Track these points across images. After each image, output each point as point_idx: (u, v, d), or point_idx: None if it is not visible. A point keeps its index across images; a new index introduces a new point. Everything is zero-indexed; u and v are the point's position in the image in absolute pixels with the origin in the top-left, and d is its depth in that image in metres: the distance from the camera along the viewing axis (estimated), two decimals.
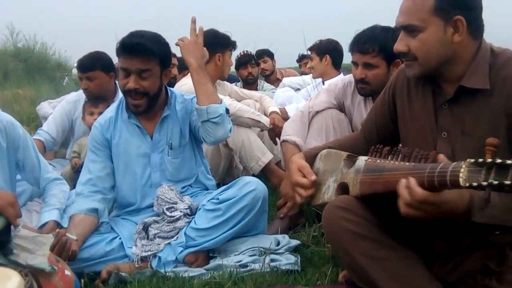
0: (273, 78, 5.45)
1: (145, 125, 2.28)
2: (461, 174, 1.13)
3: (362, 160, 1.56)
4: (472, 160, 1.13)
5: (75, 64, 3.87)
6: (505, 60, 1.47)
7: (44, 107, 4.39)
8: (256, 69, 4.72)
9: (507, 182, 1.04)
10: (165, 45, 2.24)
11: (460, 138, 1.49)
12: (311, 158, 1.86)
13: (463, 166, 1.13)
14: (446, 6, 1.43)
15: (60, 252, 1.84)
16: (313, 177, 1.73)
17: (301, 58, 5.73)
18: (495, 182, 1.06)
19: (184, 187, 2.33)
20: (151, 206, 2.25)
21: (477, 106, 1.47)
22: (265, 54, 5.58)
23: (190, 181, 2.35)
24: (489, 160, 1.09)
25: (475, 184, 1.10)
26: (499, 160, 1.08)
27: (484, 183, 1.07)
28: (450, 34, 1.45)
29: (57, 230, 1.95)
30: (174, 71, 4.35)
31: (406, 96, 1.66)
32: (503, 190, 1.07)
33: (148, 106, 2.21)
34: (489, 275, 1.44)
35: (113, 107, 2.38)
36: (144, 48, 2.12)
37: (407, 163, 1.36)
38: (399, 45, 1.53)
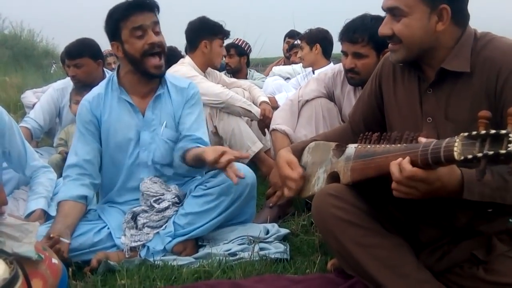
0: None
1: (137, 103, 2.23)
2: (455, 148, 1.12)
3: (352, 148, 1.56)
4: (466, 134, 1.12)
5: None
6: (485, 43, 1.49)
7: (28, 96, 4.37)
8: (235, 60, 4.70)
9: (503, 152, 1.02)
10: None
11: (444, 123, 1.51)
12: (298, 152, 1.86)
13: (457, 140, 1.12)
14: None
15: None
16: (300, 170, 1.75)
17: (291, 48, 5.71)
18: (490, 153, 1.04)
19: (174, 173, 2.29)
20: (135, 188, 2.22)
21: (459, 90, 1.49)
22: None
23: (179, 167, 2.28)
24: (483, 132, 1.08)
25: (470, 156, 1.08)
26: (492, 131, 1.06)
27: (479, 155, 1.06)
28: (434, 22, 1.47)
29: (50, 235, 1.91)
30: None
31: (392, 84, 1.67)
32: (498, 160, 1.05)
33: (165, 67, 2.20)
34: (476, 264, 1.45)
35: (101, 84, 2.32)
36: (154, 3, 2.15)
37: (398, 145, 1.35)
38: (383, 29, 1.55)
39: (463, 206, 1.38)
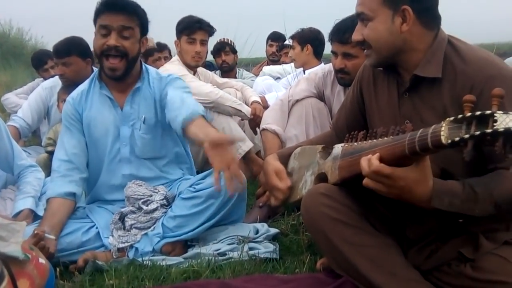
0: None
1: (117, 97, 2.21)
2: (442, 133, 1.12)
3: (338, 147, 1.56)
4: (452, 118, 1.13)
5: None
6: (461, 53, 1.49)
7: (11, 98, 4.37)
8: (231, 57, 4.65)
9: (488, 131, 1.04)
10: (145, 12, 2.19)
11: (420, 126, 1.51)
12: (285, 158, 1.87)
13: (443, 125, 1.13)
14: None
15: None
16: (289, 183, 1.76)
17: (281, 48, 5.71)
18: (477, 133, 1.05)
19: (164, 165, 2.27)
20: (119, 187, 2.20)
21: (433, 96, 1.50)
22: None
23: (162, 161, 2.27)
24: (468, 114, 1.09)
25: (457, 139, 1.09)
26: (478, 112, 1.07)
27: (466, 136, 1.07)
28: (398, 23, 1.49)
29: (35, 231, 1.88)
30: None
31: (372, 88, 1.69)
32: (485, 140, 1.06)
33: (125, 71, 2.14)
34: (464, 262, 1.46)
35: (87, 80, 2.31)
36: (128, 4, 2.10)
37: (385, 138, 1.36)
38: (355, 35, 1.59)
39: (432, 214, 1.40)
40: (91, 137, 2.23)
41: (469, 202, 1.33)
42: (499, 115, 1.04)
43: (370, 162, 1.32)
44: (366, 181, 1.35)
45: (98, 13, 2.12)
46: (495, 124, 1.03)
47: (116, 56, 2.10)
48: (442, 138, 1.12)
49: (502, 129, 1.03)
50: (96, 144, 2.23)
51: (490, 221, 1.46)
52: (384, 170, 1.29)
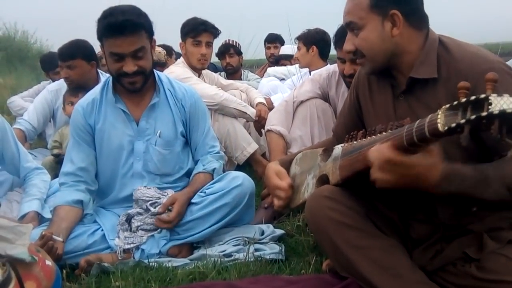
0: None
1: (132, 111, 2.18)
2: (438, 120, 1.12)
3: (338, 148, 1.56)
4: (447, 106, 1.13)
5: None
6: (450, 50, 1.49)
7: (17, 101, 4.40)
8: (235, 59, 4.64)
9: (484, 114, 1.04)
10: (147, 17, 2.11)
11: None
12: (286, 164, 1.86)
13: (440, 113, 1.13)
14: (381, 3, 1.47)
15: None
16: (290, 181, 1.75)
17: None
18: (473, 117, 1.05)
19: (175, 180, 2.27)
20: (130, 197, 2.20)
21: (428, 96, 1.50)
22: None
23: (173, 177, 2.26)
24: (463, 100, 1.09)
25: (453, 125, 1.09)
26: (472, 97, 1.07)
27: (462, 121, 1.07)
28: (389, 28, 1.49)
29: (42, 233, 1.88)
30: None
31: (368, 93, 1.69)
32: (481, 124, 1.06)
33: (144, 83, 2.12)
34: (469, 262, 1.45)
35: (97, 88, 2.25)
36: (133, 24, 1.99)
37: (384, 133, 1.36)
38: (347, 45, 1.58)
39: (445, 202, 1.39)
40: (104, 151, 2.20)
41: (481, 184, 1.31)
42: (493, 98, 1.04)
43: (380, 151, 1.27)
44: (375, 173, 1.30)
45: (104, 37, 2.03)
46: (490, 107, 1.04)
47: (135, 76, 2.07)
48: (439, 125, 1.12)
49: (497, 112, 1.03)
50: (108, 158, 2.20)
51: (494, 219, 1.46)
52: (396, 157, 1.25)
